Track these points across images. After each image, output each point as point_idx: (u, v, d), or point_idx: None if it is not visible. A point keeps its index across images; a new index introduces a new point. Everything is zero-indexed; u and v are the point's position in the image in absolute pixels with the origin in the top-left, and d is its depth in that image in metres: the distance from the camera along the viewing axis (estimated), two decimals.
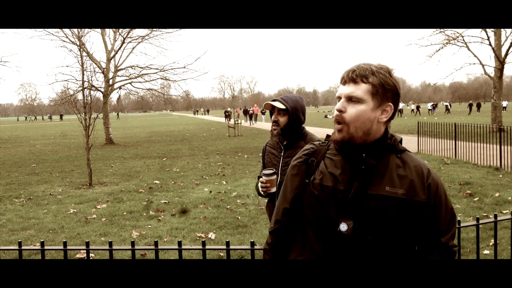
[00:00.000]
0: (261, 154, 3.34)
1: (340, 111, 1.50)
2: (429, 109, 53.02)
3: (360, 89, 1.49)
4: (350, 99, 1.50)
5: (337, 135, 1.52)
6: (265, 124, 38.29)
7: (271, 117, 3.15)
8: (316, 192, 1.54)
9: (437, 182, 1.55)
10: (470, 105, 51.29)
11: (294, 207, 1.63)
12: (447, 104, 55.03)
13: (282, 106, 3.04)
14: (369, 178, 1.50)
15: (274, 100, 3.11)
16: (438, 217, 1.52)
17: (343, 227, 1.47)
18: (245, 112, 46.58)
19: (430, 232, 1.52)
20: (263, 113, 44.39)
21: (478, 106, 53.66)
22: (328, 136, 1.69)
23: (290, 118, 3.02)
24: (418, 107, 50.33)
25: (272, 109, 3.10)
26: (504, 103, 52.75)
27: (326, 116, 52.67)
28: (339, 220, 1.48)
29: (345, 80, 1.52)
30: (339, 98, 1.54)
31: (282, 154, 3.08)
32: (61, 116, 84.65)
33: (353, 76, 1.50)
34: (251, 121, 41.69)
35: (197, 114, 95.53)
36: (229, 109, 50.77)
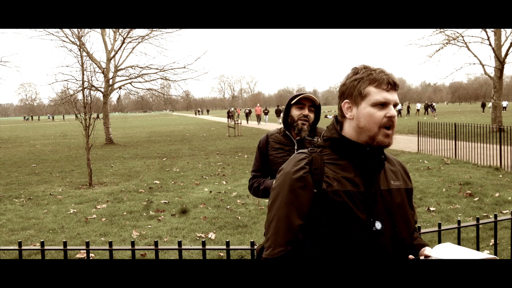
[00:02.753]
0: (257, 151, 3.12)
1: (394, 116, 1.57)
2: (417, 109, 54.38)
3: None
4: (395, 106, 1.58)
5: (388, 140, 1.56)
6: (270, 125, 35.08)
7: (279, 115, 3.04)
8: (339, 200, 1.51)
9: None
10: (483, 105, 52.83)
11: (309, 222, 1.54)
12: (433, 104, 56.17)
13: (317, 102, 3.00)
14: (379, 177, 1.61)
15: (302, 95, 3.01)
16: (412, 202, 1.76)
17: (378, 225, 1.53)
18: (248, 114, 45.77)
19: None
20: (265, 113, 41.77)
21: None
22: (311, 141, 1.69)
23: (318, 114, 3.03)
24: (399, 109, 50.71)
25: (302, 105, 2.96)
26: (504, 103, 53.54)
27: (326, 116, 52.64)
28: (372, 220, 1.53)
29: (391, 86, 1.56)
30: (386, 103, 1.55)
31: (296, 148, 2.95)
32: (75, 116, 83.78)
33: (396, 84, 1.58)
34: (247, 121, 41.32)
35: (199, 114, 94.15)
36: (232, 109, 50.26)
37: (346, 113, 1.61)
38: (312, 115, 2.99)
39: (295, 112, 2.96)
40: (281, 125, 3.22)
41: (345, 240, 1.51)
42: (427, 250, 1.59)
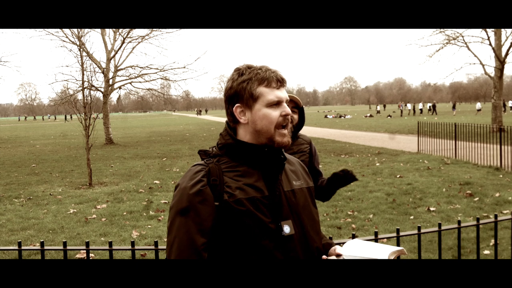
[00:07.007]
0: None
1: (289, 114, 1.53)
2: (408, 109, 55.98)
3: None
4: (286, 102, 1.55)
5: (287, 139, 1.53)
6: None
7: None
8: (243, 209, 1.42)
9: None
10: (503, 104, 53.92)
11: (215, 237, 1.43)
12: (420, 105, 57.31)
13: (300, 104, 2.90)
14: (281, 178, 1.55)
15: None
16: None
17: (287, 229, 1.47)
18: None
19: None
20: None
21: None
22: (205, 151, 1.57)
23: (302, 116, 2.92)
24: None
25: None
26: (510, 103, 53.86)
27: (326, 116, 52.71)
28: (280, 224, 1.47)
29: (280, 83, 1.52)
30: (280, 102, 1.51)
31: None
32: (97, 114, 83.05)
33: (284, 80, 1.54)
34: None
35: (201, 114, 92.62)
36: None
37: (240, 118, 1.51)
38: (296, 116, 2.86)
39: None
40: None
41: (256, 249, 1.42)
42: (337, 249, 1.58)
